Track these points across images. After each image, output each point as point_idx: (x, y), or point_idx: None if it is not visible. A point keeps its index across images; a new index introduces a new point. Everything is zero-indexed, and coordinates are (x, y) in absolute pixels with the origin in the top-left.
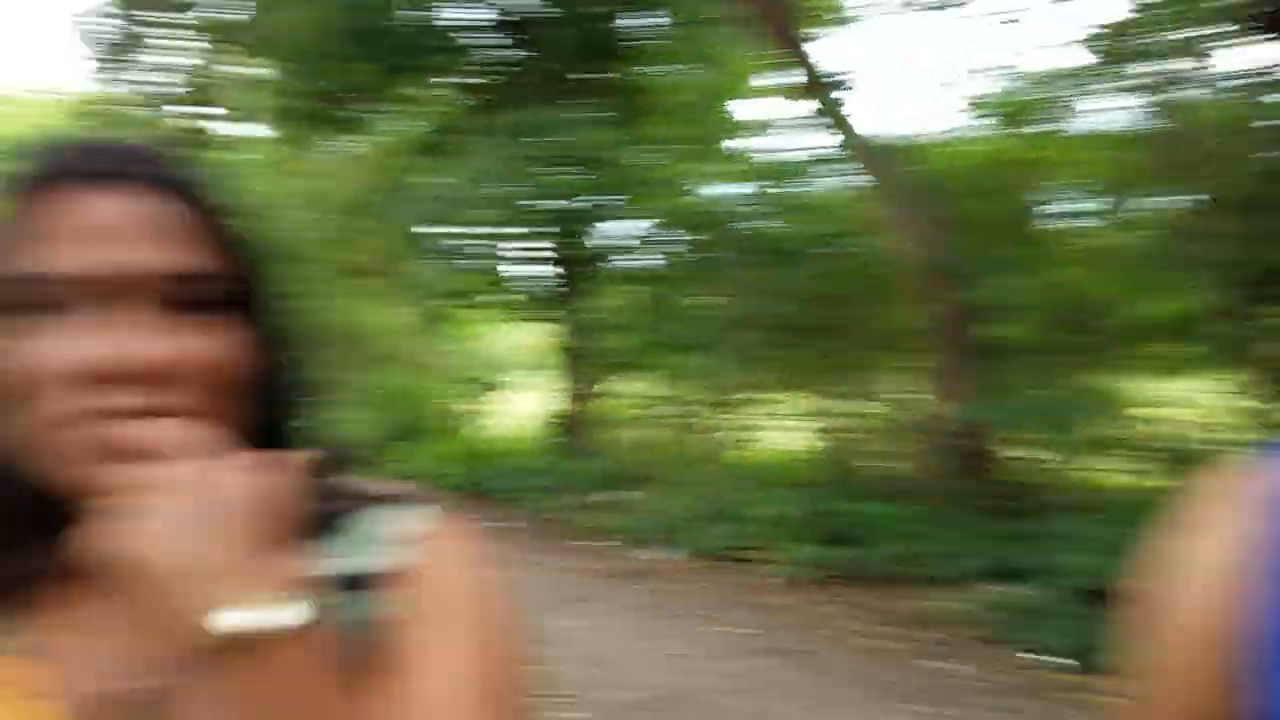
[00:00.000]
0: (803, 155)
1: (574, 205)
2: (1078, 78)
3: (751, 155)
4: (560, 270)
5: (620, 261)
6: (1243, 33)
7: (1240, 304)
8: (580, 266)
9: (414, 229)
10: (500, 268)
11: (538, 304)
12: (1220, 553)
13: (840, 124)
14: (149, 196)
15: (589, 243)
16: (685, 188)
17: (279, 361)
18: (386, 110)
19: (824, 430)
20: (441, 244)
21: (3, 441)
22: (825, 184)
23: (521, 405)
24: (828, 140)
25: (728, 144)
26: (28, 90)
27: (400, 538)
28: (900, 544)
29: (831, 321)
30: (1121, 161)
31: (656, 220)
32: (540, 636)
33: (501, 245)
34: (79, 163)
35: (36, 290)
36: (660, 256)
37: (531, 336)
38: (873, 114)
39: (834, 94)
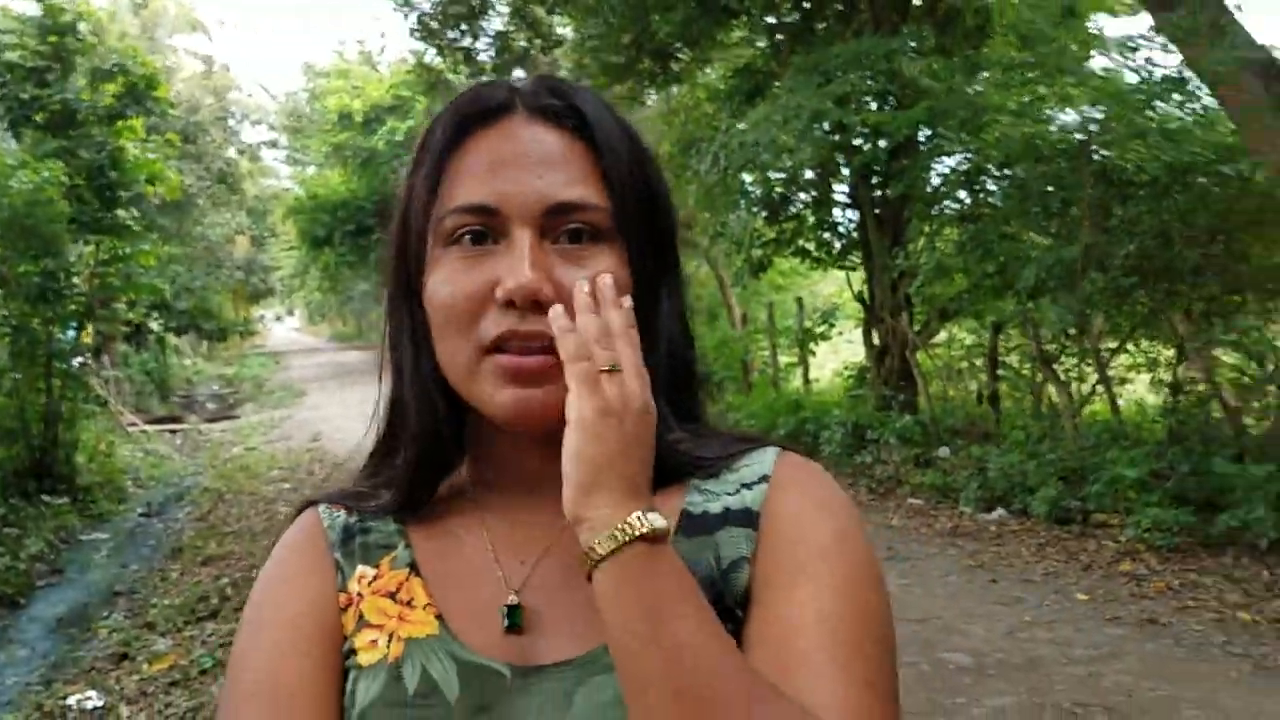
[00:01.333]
0: (1168, 74)
1: (897, 141)
2: None
3: (1109, 76)
4: (879, 213)
5: (950, 200)
6: None
7: None
8: (902, 207)
9: (728, 177)
10: (817, 213)
11: (855, 249)
12: None
13: (1218, 35)
14: (554, 129)
15: (915, 182)
16: (1026, 115)
17: (658, 297)
18: (703, 58)
19: (1187, 383)
20: (756, 191)
21: (436, 369)
22: (1195, 106)
23: (841, 356)
24: (1206, 43)
25: (1084, 65)
26: (356, 63)
27: (761, 481)
28: (1272, 508)
29: (1198, 260)
30: None
31: (991, 153)
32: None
33: (818, 190)
34: (486, 100)
35: (453, 223)
36: (995, 192)
37: (851, 285)
38: (1254, 21)
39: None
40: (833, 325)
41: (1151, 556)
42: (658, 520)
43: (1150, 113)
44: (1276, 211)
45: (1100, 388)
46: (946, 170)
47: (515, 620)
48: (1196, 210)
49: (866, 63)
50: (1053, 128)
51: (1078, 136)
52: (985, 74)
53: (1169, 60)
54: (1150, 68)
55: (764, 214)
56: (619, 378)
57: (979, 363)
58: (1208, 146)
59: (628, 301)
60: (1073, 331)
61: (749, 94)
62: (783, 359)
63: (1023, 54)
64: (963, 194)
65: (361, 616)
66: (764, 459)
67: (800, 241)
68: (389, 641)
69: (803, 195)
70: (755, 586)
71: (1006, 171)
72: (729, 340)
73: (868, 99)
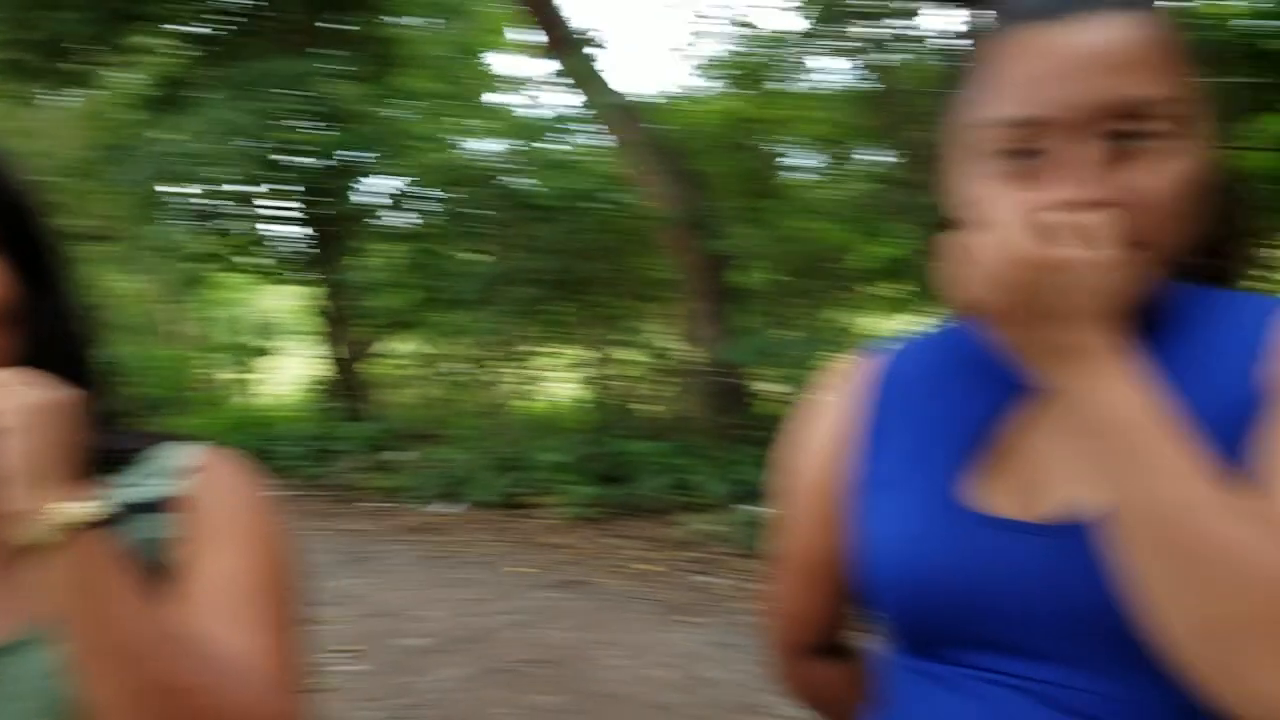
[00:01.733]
0: (557, 112)
1: (325, 162)
2: (801, 40)
3: (508, 111)
4: (316, 230)
5: (381, 219)
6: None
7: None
8: (338, 225)
9: (150, 188)
10: (251, 228)
11: (295, 265)
12: (830, 427)
13: (590, 81)
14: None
15: (346, 201)
16: (442, 143)
17: (45, 299)
18: (111, 62)
19: (594, 378)
20: (183, 204)
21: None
22: (581, 140)
23: (290, 371)
24: (579, 98)
25: (484, 98)
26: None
27: (178, 470)
28: (668, 477)
29: (594, 274)
30: (841, 119)
31: (415, 177)
32: (325, 597)
33: (249, 205)
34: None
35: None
36: (421, 213)
37: (294, 299)
38: (620, 72)
39: (584, 51)
40: (274, 340)
41: (581, 528)
42: (86, 508)
43: (546, 145)
44: (651, 233)
45: (529, 387)
46: (388, 190)
47: None
48: (592, 231)
49: (279, 82)
50: (467, 154)
51: (491, 165)
52: (407, 103)
53: (569, 99)
54: (544, 106)
55: (192, 226)
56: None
57: (427, 371)
58: (597, 177)
59: None
60: (503, 338)
61: (170, 102)
62: (233, 375)
63: (434, 86)
64: (403, 213)
65: None
66: (185, 452)
67: (239, 257)
68: None
69: (236, 209)
70: (183, 561)
71: (433, 193)
72: (163, 358)
73: (297, 118)
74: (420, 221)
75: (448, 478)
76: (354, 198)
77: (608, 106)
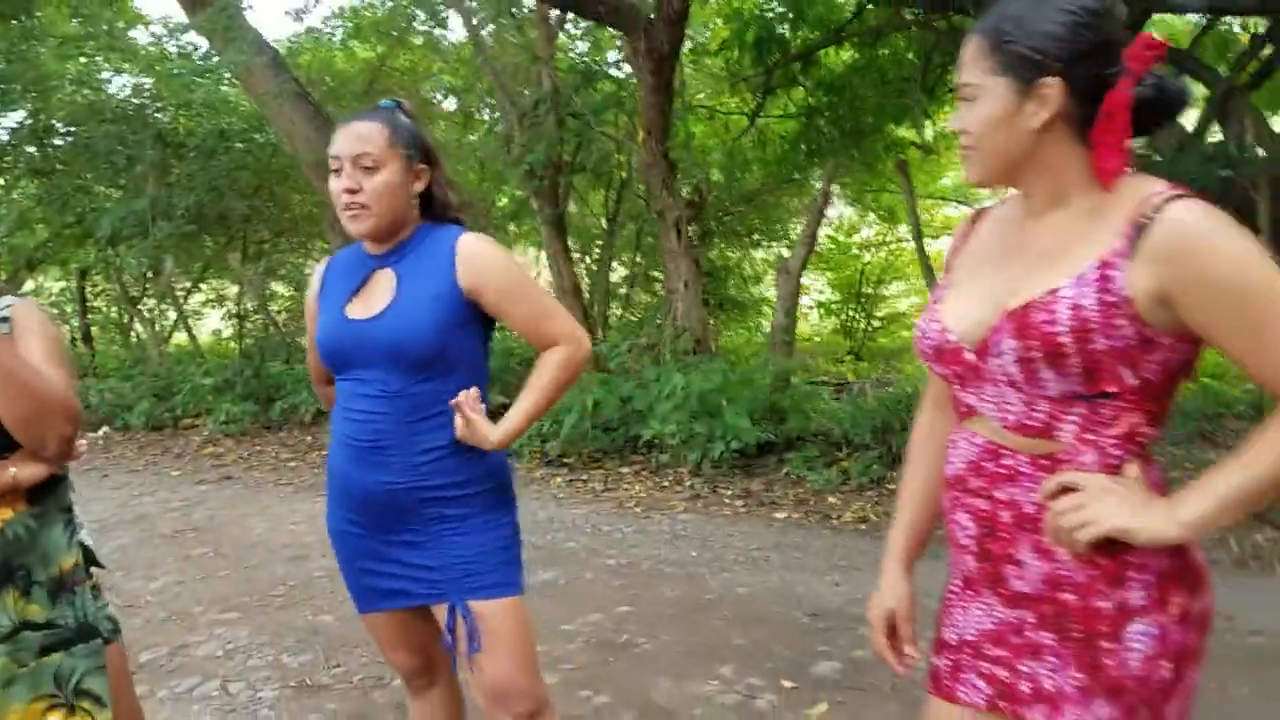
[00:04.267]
0: (202, 54)
1: None
2: None
3: (154, 50)
4: None
5: (20, 153)
6: None
7: (538, 193)
8: None
9: None
10: None
11: None
12: (313, 294)
13: (232, 31)
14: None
15: None
16: (83, 80)
17: None
18: None
19: (244, 309)
20: None
21: None
22: (225, 83)
23: None
24: (224, 41)
25: (129, 37)
26: None
27: (8, 305)
28: (307, 393)
29: (241, 210)
30: (465, 73)
31: (59, 114)
32: None
33: None
34: None
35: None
36: (63, 148)
37: None
38: (262, 19)
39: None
40: None
41: (228, 440)
42: None
43: (193, 87)
44: (293, 172)
45: (179, 321)
46: (14, 125)
47: None
48: (241, 169)
49: None
50: (112, 91)
51: (135, 102)
52: (47, 41)
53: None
54: (192, 48)
55: None
56: None
57: (69, 308)
58: (244, 116)
59: None
60: (150, 274)
61: None
62: None
63: (78, 27)
64: (32, 149)
65: None
66: (9, 299)
67: None
68: None
69: None
70: (14, 335)
71: (73, 129)
72: None
73: None
74: (60, 157)
75: (100, 405)
76: None
77: (248, 56)
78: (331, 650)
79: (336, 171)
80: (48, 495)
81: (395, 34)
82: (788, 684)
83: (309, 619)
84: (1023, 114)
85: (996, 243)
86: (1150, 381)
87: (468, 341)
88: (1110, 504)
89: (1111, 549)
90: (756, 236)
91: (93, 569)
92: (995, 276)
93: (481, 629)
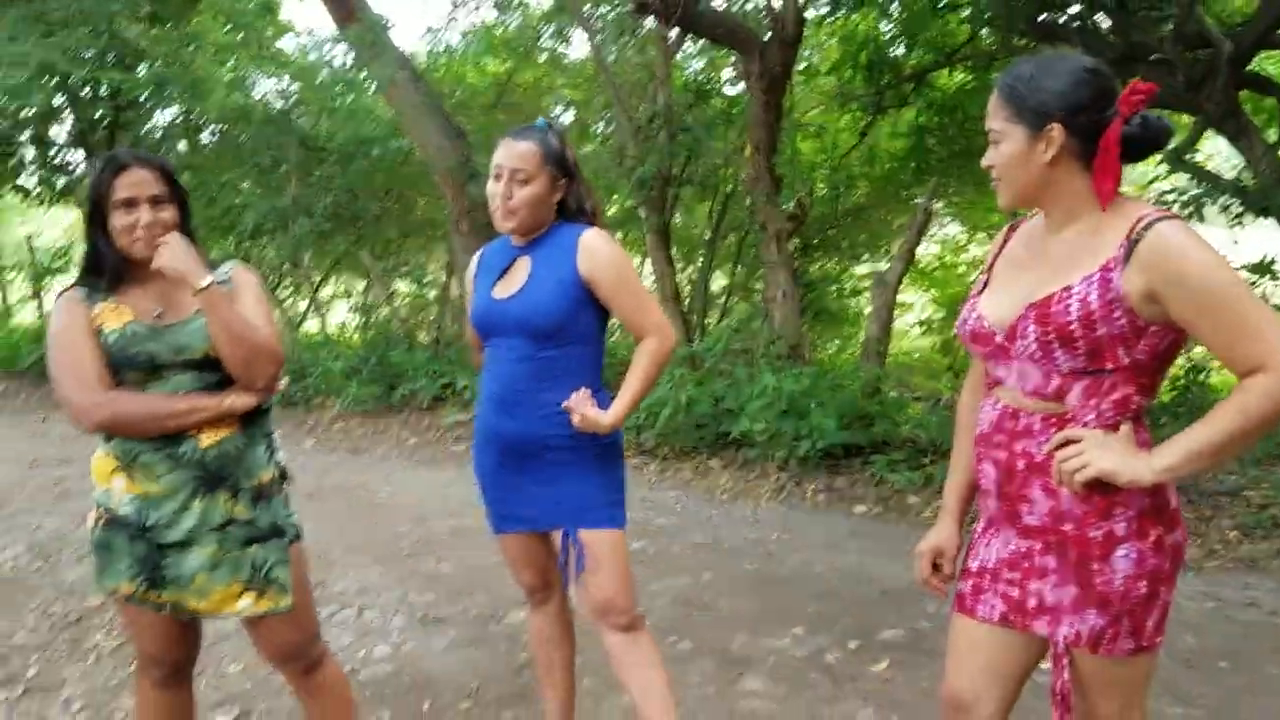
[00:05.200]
0: (347, 63)
1: (121, 96)
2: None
3: (300, 58)
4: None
5: (172, 148)
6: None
7: (647, 203)
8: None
9: None
10: (45, 154)
11: (74, 189)
12: (470, 278)
13: (375, 47)
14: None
15: (137, 131)
16: (233, 84)
17: None
18: None
19: (371, 303)
20: None
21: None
22: (366, 92)
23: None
24: (367, 52)
25: (278, 46)
26: None
27: (228, 269)
28: (433, 380)
29: (372, 212)
30: (585, 88)
31: (211, 114)
32: None
33: (46, 133)
34: None
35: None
36: (210, 145)
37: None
38: (404, 30)
39: (371, 23)
40: (69, 260)
41: (355, 418)
42: (212, 277)
43: (336, 95)
44: (428, 177)
45: (311, 309)
46: (166, 122)
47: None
48: (374, 173)
49: (88, 20)
50: (258, 96)
51: (280, 106)
52: (202, 47)
53: (357, 56)
54: (336, 57)
55: None
56: None
57: None
58: (381, 124)
59: None
60: (288, 266)
61: None
62: (11, 296)
63: (230, 34)
64: (183, 145)
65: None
66: (230, 265)
67: (19, 180)
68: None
69: (22, 135)
70: (233, 294)
71: (222, 130)
72: None
73: (90, 53)
74: (208, 154)
75: None
76: (144, 129)
77: (390, 69)
78: (452, 592)
79: (496, 177)
80: (255, 421)
81: (523, 50)
82: (854, 644)
83: (432, 567)
84: (1035, 152)
85: (1024, 251)
86: (1141, 361)
87: (585, 320)
88: (1102, 452)
89: (1103, 489)
90: (857, 250)
91: (284, 483)
92: (1023, 278)
93: (588, 554)
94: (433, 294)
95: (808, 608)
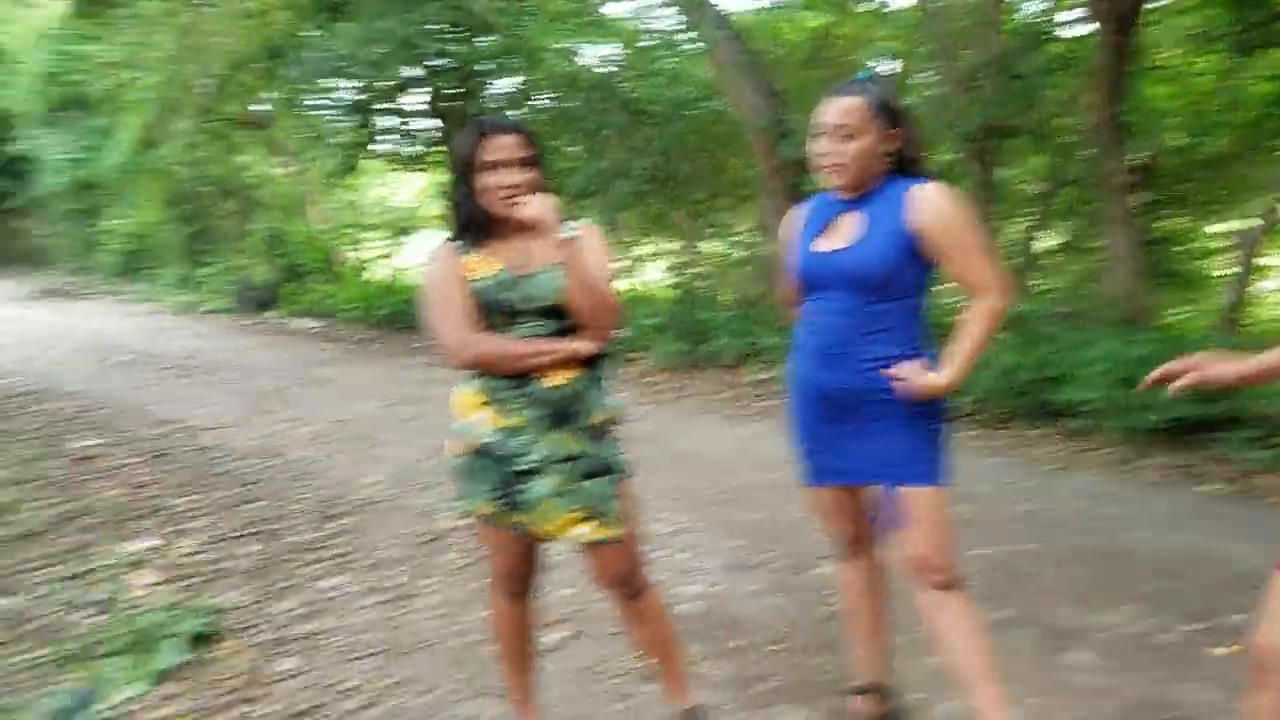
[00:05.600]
0: (664, 26)
1: (465, 64)
2: None
3: (622, 24)
4: (447, 125)
5: (506, 114)
6: None
7: (971, 156)
8: (467, 121)
9: (310, 83)
10: (396, 122)
11: (427, 154)
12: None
13: (697, 7)
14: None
15: (477, 99)
16: (563, 52)
17: None
18: None
19: (684, 262)
20: (333, 98)
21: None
22: (683, 53)
23: (421, 250)
24: (684, 13)
25: (602, 12)
26: None
27: (575, 227)
28: (738, 338)
29: (689, 173)
30: (908, 38)
31: (542, 82)
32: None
33: (395, 101)
34: None
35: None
36: (541, 111)
37: (426, 185)
38: None
39: None
40: (404, 223)
41: (663, 374)
42: (568, 231)
43: (658, 58)
44: (741, 137)
45: (630, 267)
46: (511, 91)
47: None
48: (689, 135)
49: None
50: (584, 61)
51: (603, 71)
52: (539, 17)
53: (676, 16)
54: (655, 19)
55: (352, 120)
56: None
57: None
58: (697, 85)
59: None
60: (608, 226)
61: (330, 7)
62: (366, 253)
63: (565, 3)
64: (520, 112)
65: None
66: (578, 224)
67: (383, 146)
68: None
69: (384, 105)
70: (579, 249)
71: (550, 96)
72: (312, 235)
73: (440, 26)
74: (539, 119)
75: None
76: (485, 96)
77: (711, 28)
78: (760, 541)
79: (819, 136)
80: (594, 366)
81: (843, 0)
82: (1193, 627)
83: (739, 516)
84: None
85: None
86: None
87: (913, 273)
88: None
89: None
90: (1213, 207)
91: (616, 425)
92: None
93: (907, 509)
94: (739, 254)
95: (1143, 585)
